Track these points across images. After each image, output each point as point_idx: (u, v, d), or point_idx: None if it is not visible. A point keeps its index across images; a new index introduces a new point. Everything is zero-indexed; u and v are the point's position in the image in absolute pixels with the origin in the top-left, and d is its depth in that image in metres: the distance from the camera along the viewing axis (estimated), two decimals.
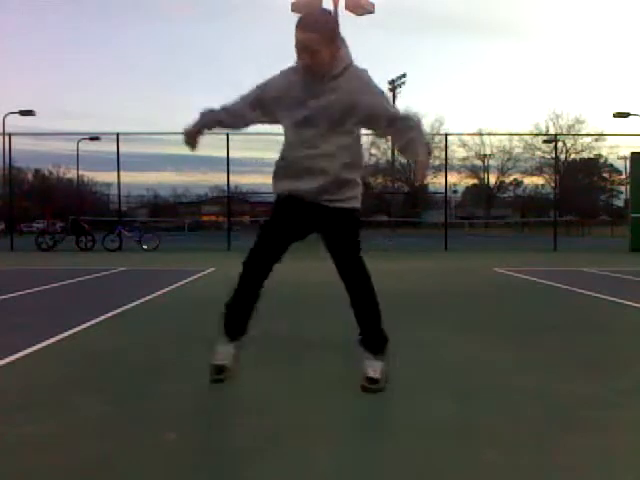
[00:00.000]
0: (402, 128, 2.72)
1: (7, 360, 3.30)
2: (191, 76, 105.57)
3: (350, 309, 2.82)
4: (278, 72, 2.78)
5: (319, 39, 2.56)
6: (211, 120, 2.88)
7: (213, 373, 2.77)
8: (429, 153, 2.74)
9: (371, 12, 19.25)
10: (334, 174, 2.68)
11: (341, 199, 2.72)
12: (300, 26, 2.57)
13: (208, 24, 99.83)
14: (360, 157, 2.84)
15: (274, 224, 2.81)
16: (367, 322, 2.79)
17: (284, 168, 2.78)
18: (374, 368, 2.73)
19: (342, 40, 2.69)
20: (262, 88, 2.78)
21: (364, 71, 2.73)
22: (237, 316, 2.85)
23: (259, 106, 2.80)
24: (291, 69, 2.74)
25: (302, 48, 2.58)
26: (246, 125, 2.92)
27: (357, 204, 2.78)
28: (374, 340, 2.79)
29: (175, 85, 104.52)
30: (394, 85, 56.28)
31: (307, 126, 2.66)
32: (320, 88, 2.64)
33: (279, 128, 2.84)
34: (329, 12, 2.90)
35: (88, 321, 4.55)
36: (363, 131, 2.84)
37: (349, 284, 2.77)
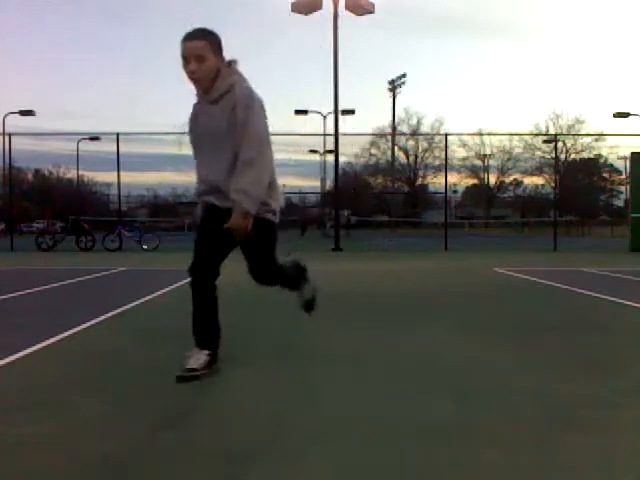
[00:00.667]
0: (236, 172, 2.82)
1: (7, 360, 3.31)
2: None
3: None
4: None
5: (205, 45, 2.76)
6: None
7: (183, 371, 2.87)
8: (245, 216, 2.84)
9: (371, 12, 19.23)
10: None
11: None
12: (187, 37, 2.77)
13: (208, 24, 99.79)
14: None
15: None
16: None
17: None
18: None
19: (234, 62, 2.90)
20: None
21: (243, 93, 2.82)
22: (201, 327, 2.99)
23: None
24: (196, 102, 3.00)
25: (189, 56, 2.75)
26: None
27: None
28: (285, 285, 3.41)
29: (175, 85, 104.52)
30: (394, 85, 56.33)
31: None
32: (205, 109, 2.90)
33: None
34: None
35: (88, 321, 4.56)
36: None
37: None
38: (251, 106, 2.79)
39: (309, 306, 3.56)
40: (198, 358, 2.91)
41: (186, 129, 3.06)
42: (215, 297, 3.02)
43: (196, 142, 3.01)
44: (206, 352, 2.94)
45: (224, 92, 2.82)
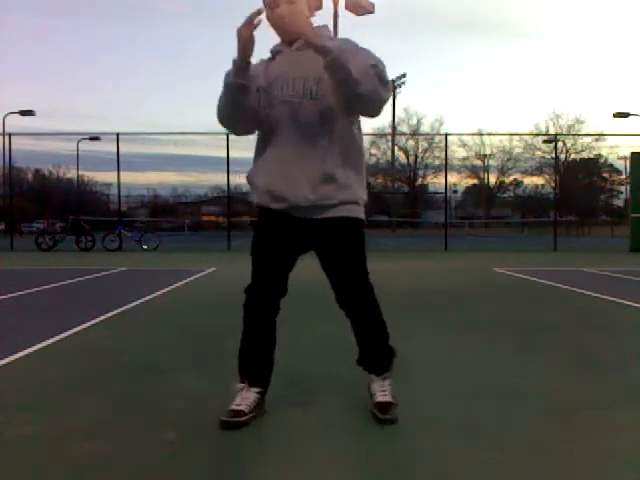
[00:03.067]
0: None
1: (7, 360, 3.30)
2: (191, 76, 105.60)
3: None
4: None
5: None
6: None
7: (228, 415, 2.26)
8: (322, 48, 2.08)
9: (371, 12, 19.21)
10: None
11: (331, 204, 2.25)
12: None
13: (208, 24, 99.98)
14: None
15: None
16: (370, 343, 2.39)
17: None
18: (383, 389, 2.32)
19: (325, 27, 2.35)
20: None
21: (344, 38, 2.30)
22: (255, 365, 2.40)
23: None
24: (261, 61, 2.38)
25: None
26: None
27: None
28: (378, 358, 2.38)
29: (175, 85, 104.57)
30: (394, 85, 56.34)
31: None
32: (289, 56, 2.27)
33: None
34: None
35: (88, 321, 4.56)
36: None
37: (345, 305, 2.35)
38: (354, 45, 2.22)
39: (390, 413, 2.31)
40: (246, 397, 2.31)
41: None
42: (275, 323, 2.41)
43: (275, 109, 2.25)
44: (256, 390, 2.35)
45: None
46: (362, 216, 2.32)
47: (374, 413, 2.28)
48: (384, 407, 2.27)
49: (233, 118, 2.32)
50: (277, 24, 2.26)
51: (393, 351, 2.42)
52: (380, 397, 2.30)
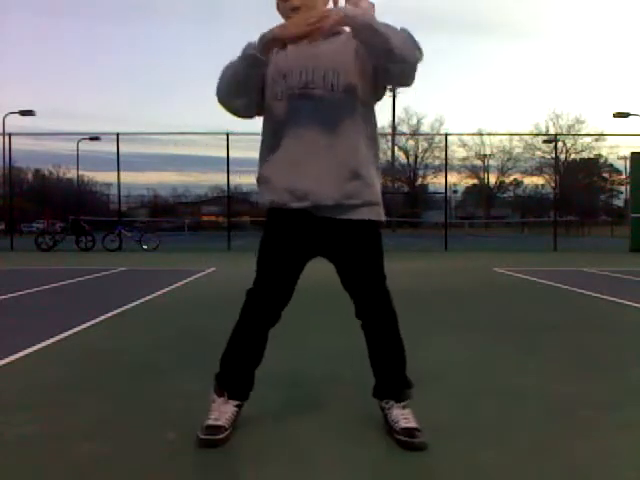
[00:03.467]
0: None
1: (7, 360, 3.30)
2: (191, 76, 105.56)
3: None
4: None
5: None
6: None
7: (205, 432, 2.10)
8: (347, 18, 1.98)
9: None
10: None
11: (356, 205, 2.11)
12: None
13: (207, 24, 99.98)
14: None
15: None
16: (391, 368, 2.24)
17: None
18: (405, 416, 2.13)
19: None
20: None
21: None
22: (239, 373, 2.25)
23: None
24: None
25: None
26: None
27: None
28: (400, 384, 2.22)
29: (175, 85, 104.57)
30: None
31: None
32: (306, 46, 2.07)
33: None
34: None
35: (88, 321, 4.56)
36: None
37: (364, 316, 2.23)
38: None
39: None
40: (225, 411, 2.16)
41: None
42: (268, 335, 2.26)
43: (291, 100, 2.08)
44: (235, 403, 2.20)
45: (329, 34, 2.08)
46: (383, 218, 2.19)
47: (400, 440, 2.06)
48: (411, 432, 2.06)
49: (238, 91, 2.11)
50: (289, 16, 2.09)
51: (410, 381, 2.24)
52: (404, 423, 2.10)
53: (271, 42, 2.02)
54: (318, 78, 2.06)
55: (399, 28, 1.99)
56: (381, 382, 2.23)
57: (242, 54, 2.08)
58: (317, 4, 2.10)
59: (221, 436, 2.09)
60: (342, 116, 2.08)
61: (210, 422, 2.12)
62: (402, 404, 2.17)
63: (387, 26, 1.94)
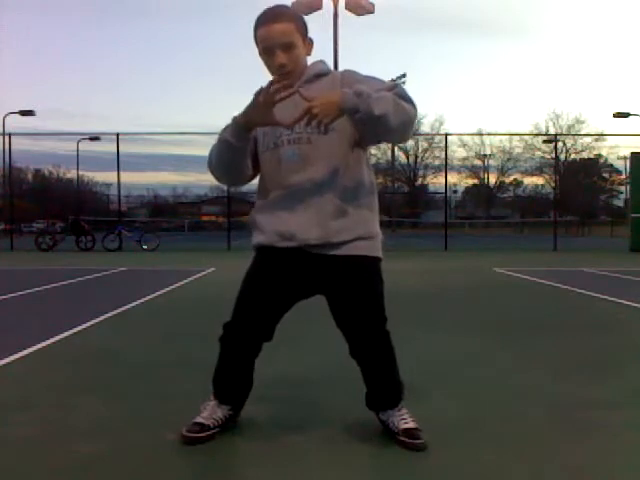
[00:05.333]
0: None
1: (6, 360, 3.31)
2: (191, 76, 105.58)
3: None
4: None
5: (294, 29, 2.06)
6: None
7: (190, 428, 2.14)
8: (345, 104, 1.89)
9: (371, 12, 19.22)
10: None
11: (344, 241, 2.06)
12: (268, 19, 2.05)
13: (207, 23, 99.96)
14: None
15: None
16: (383, 392, 2.20)
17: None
18: (403, 417, 2.14)
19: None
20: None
21: (344, 70, 2.17)
22: (229, 386, 2.25)
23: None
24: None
25: (276, 44, 2.03)
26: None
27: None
28: (390, 395, 2.19)
29: (175, 85, 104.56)
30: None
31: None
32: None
33: None
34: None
35: (88, 321, 4.56)
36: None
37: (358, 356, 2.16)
38: (370, 79, 2.07)
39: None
40: (214, 412, 2.19)
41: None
42: (255, 357, 2.24)
43: (281, 147, 2.08)
44: (227, 407, 2.22)
45: (314, 75, 2.13)
46: (379, 253, 2.11)
47: (402, 441, 2.06)
48: (411, 433, 2.07)
49: (229, 174, 2.17)
50: (277, 73, 2.07)
51: (402, 385, 2.22)
52: (404, 424, 2.10)
53: (243, 130, 2.02)
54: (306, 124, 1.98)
55: (388, 84, 2.00)
56: (375, 398, 2.21)
57: (220, 141, 2.07)
58: (299, 63, 2.09)
59: (202, 434, 2.10)
60: (330, 157, 2.05)
61: (197, 419, 2.15)
62: (397, 408, 2.16)
63: (384, 102, 1.87)
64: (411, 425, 2.10)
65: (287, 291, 2.11)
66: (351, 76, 2.08)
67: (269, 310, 2.13)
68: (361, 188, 2.10)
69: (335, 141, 2.05)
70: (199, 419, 2.15)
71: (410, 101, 1.96)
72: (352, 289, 2.06)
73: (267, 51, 2.06)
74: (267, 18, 2.05)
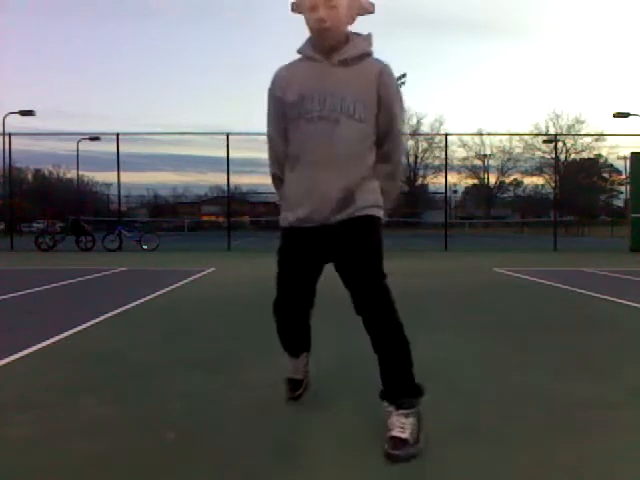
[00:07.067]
0: (387, 168, 2.29)
1: (7, 360, 3.31)
2: (191, 76, 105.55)
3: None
4: (275, 74, 2.29)
5: None
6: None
7: (290, 389, 2.56)
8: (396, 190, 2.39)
9: (371, 12, 19.18)
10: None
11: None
12: None
13: (207, 23, 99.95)
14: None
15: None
16: (392, 369, 2.18)
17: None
18: (402, 425, 2.05)
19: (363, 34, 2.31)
20: (279, 100, 2.26)
21: (385, 63, 2.25)
22: (291, 339, 2.51)
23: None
24: (286, 66, 2.29)
25: (319, 0, 2.12)
26: None
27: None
28: (401, 390, 2.14)
29: (175, 85, 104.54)
30: None
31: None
32: (328, 71, 2.17)
33: None
34: None
35: (88, 321, 4.56)
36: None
37: (363, 313, 2.21)
38: (399, 96, 2.24)
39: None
40: (295, 364, 2.54)
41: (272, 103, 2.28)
42: (309, 317, 2.48)
43: (304, 120, 2.17)
44: (303, 355, 2.55)
45: (355, 57, 2.19)
46: (380, 215, 2.25)
47: (384, 448, 2.01)
48: (396, 442, 1.99)
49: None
50: (315, 27, 2.15)
51: (420, 389, 2.16)
52: (396, 432, 2.03)
53: None
54: (336, 102, 2.13)
55: (399, 155, 2.33)
56: (384, 383, 2.18)
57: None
58: (339, 24, 2.17)
59: (301, 391, 2.57)
60: (355, 140, 2.16)
61: (289, 376, 2.56)
62: (403, 412, 2.07)
63: (397, 190, 2.42)
64: (402, 435, 2.01)
65: (314, 260, 2.28)
66: (388, 91, 2.19)
67: (304, 279, 2.32)
68: (369, 168, 2.23)
69: (362, 127, 2.16)
70: (290, 375, 2.55)
71: (401, 159, 2.36)
72: (354, 244, 2.17)
73: (310, 6, 2.14)
74: None
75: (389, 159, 2.27)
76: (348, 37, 2.22)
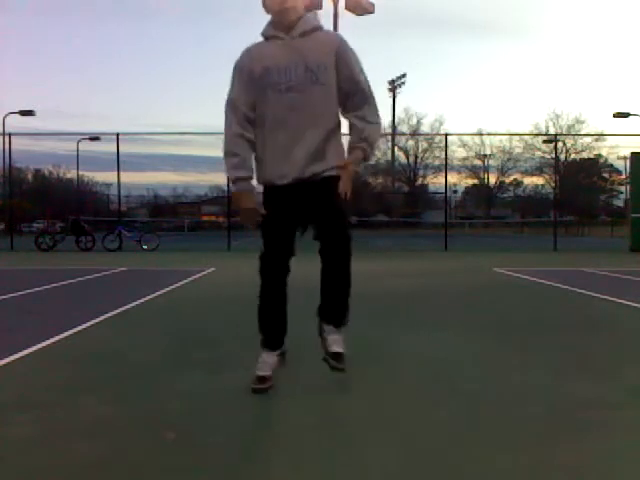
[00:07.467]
0: (359, 127, 2.67)
1: (7, 360, 3.30)
2: (191, 76, 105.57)
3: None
4: (242, 52, 2.67)
5: None
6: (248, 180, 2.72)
7: (256, 382, 2.67)
8: (364, 159, 2.72)
9: (371, 12, 19.24)
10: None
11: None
12: None
13: (206, 23, 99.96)
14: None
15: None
16: (333, 294, 2.70)
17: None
18: (337, 341, 2.67)
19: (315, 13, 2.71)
20: (247, 72, 2.61)
21: (338, 34, 2.76)
22: (271, 323, 2.76)
23: (252, 99, 2.64)
24: (253, 45, 2.67)
25: None
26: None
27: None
28: (338, 310, 2.71)
29: (175, 85, 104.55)
30: (394, 85, 56.43)
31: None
32: (289, 44, 2.58)
33: None
34: None
35: (88, 321, 4.56)
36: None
37: (325, 248, 2.64)
38: (357, 59, 2.65)
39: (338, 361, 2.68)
40: (271, 363, 2.72)
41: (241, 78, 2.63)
42: (286, 283, 2.73)
43: (269, 91, 2.56)
44: (277, 353, 2.76)
45: (309, 29, 2.60)
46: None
47: (327, 360, 2.66)
48: (338, 357, 2.63)
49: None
50: (277, 7, 2.55)
51: (349, 309, 2.74)
52: (335, 348, 2.64)
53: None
54: (301, 72, 2.53)
55: (364, 86, 2.66)
56: (325, 305, 2.71)
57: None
58: (298, 4, 2.57)
59: (267, 385, 2.65)
60: (321, 105, 2.58)
61: (258, 373, 2.67)
62: (337, 330, 2.69)
63: (375, 147, 2.77)
64: (340, 350, 2.64)
65: (289, 215, 2.65)
66: (346, 56, 2.61)
67: (284, 231, 2.65)
68: (338, 129, 2.69)
69: (327, 92, 2.59)
70: (260, 373, 2.66)
71: (377, 112, 2.72)
72: (328, 197, 2.61)
73: None
74: None
75: (359, 106, 2.65)
76: (301, 16, 2.61)
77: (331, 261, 2.65)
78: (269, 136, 2.60)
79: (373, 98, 2.70)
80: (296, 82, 2.53)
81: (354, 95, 2.64)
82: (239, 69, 2.65)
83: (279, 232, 2.65)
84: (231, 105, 2.65)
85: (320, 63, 2.54)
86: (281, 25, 2.59)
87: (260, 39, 2.69)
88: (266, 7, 2.60)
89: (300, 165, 2.57)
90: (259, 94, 2.58)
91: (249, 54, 2.64)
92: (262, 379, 2.66)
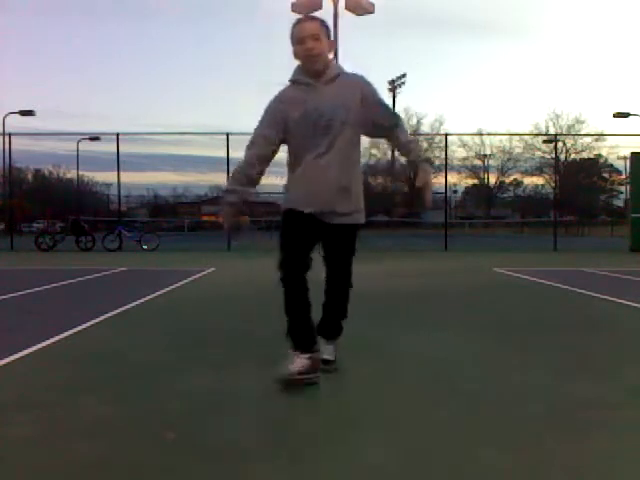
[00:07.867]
0: (401, 133, 3.01)
1: (7, 360, 3.31)
2: (191, 76, 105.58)
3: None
4: (277, 96, 2.91)
5: (320, 27, 2.86)
6: (248, 181, 2.94)
7: (283, 383, 2.73)
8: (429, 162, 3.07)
9: (371, 12, 19.24)
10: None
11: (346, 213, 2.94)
12: (302, 19, 2.94)
13: (206, 23, 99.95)
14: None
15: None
16: (332, 314, 3.07)
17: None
18: (329, 350, 3.06)
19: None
20: (281, 115, 2.85)
21: (358, 74, 2.98)
22: (301, 326, 2.85)
23: (283, 133, 2.88)
24: (286, 90, 2.93)
25: (307, 36, 2.80)
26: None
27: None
28: (333, 330, 3.09)
29: (175, 85, 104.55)
30: (394, 85, 56.39)
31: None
32: (321, 90, 2.86)
33: None
34: None
35: (88, 321, 4.56)
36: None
37: (331, 281, 3.04)
38: (374, 87, 2.95)
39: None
40: (301, 363, 2.77)
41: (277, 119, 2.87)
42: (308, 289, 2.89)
43: (306, 132, 2.84)
44: (307, 355, 2.79)
45: (335, 76, 2.88)
46: (363, 220, 3.03)
47: (322, 367, 2.92)
48: (328, 363, 3.01)
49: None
50: (305, 55, 2.82)
51: (342, 327, 3.11)
52: (327, 355, 3.01)
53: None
54: (335, 113, 2.81)
55: (390, 117, 2.97)
56: (323, 323, 3.04)
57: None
58: (323, 52, 2.85)
59: (298, 377, 2.74)
60: (350, 143, 2.89)
61: (291, 369, 2.75)
62: (332, 342, 3.08)
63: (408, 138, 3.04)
64: (331, 358, 3.04)
65: (309, 234, 2.88)
66: (369, 91, 2.91)
67: (303, 246, 2.85)
68: (359, 169, 3.02)
69: (354, 131, 2.90)
70: (292, 368, 2.74)
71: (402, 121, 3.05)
72: (343, 243, 2.99)
73: (300, 41, 2.82)
74: (302, 19, 2.94)
75: (386, 116, 2.95)
76: (328, 63, 2.91)
77: (333, 296, 3.05)
78: (301, 172, 2.88)
79: (392, 111, 3.01)
80: (330, 123, 2.80)
81: (385, 109, 2.95)
82: (274, 107, 2.89)
83: (298, 245, 2.84)
84: (257, 139, 2.89)
85: (349, 106, 2.83)
86: (311, 72, 2.86)
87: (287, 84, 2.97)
88: (295, 54, 2.89)
89: (326, 199, 2.85)
90: (295, 134, 2.85)
91: (287, 96, 2.89)
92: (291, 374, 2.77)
